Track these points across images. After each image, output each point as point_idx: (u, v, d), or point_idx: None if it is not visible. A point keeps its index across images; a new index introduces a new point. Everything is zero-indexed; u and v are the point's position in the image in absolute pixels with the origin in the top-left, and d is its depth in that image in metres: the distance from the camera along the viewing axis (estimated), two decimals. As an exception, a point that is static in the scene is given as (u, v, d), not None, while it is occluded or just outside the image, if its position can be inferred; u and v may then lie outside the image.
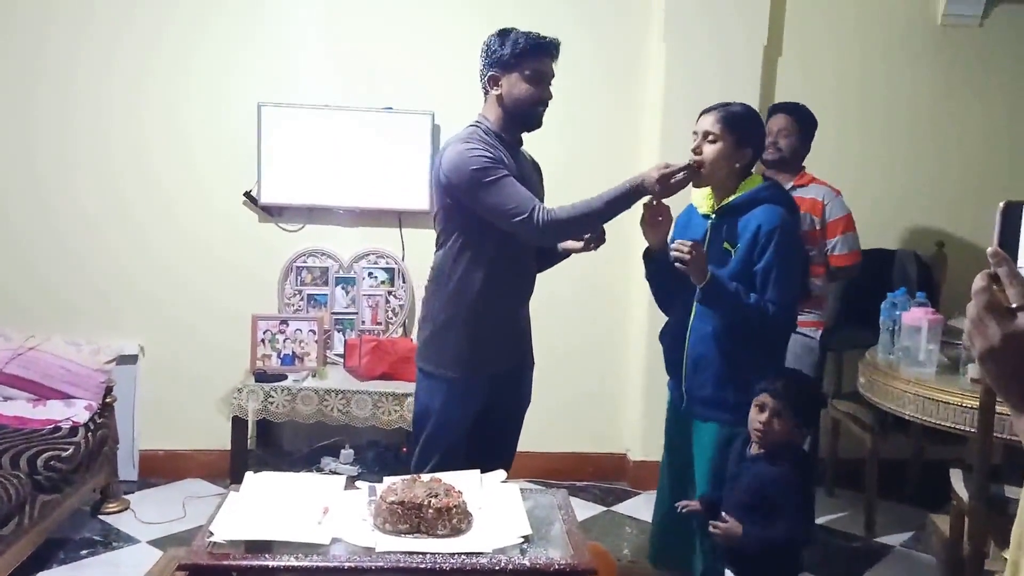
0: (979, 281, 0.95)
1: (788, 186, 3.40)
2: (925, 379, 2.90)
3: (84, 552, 3.23)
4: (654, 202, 2.42)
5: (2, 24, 3.77)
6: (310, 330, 3.79)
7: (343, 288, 3.94)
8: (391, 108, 3.84)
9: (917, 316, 3.05)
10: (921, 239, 4.03)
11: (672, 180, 2.35)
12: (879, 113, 4.11)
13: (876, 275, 3.72)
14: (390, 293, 3.92)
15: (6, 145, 3.82)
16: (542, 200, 2.51)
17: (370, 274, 3.95)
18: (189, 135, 3.87)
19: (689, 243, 2.32)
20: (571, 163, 3.73)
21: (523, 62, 2.46)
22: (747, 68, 3.87)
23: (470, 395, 2.57)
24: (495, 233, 2.46)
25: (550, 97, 2.51)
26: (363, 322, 3.92)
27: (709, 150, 2.39)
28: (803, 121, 3.43)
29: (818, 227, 3.38)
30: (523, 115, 2.51)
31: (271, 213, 3.92)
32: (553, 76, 2.52)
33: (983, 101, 4.14)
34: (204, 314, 3.93)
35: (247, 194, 3.88)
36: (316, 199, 3.88)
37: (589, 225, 2.49)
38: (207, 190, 3.89)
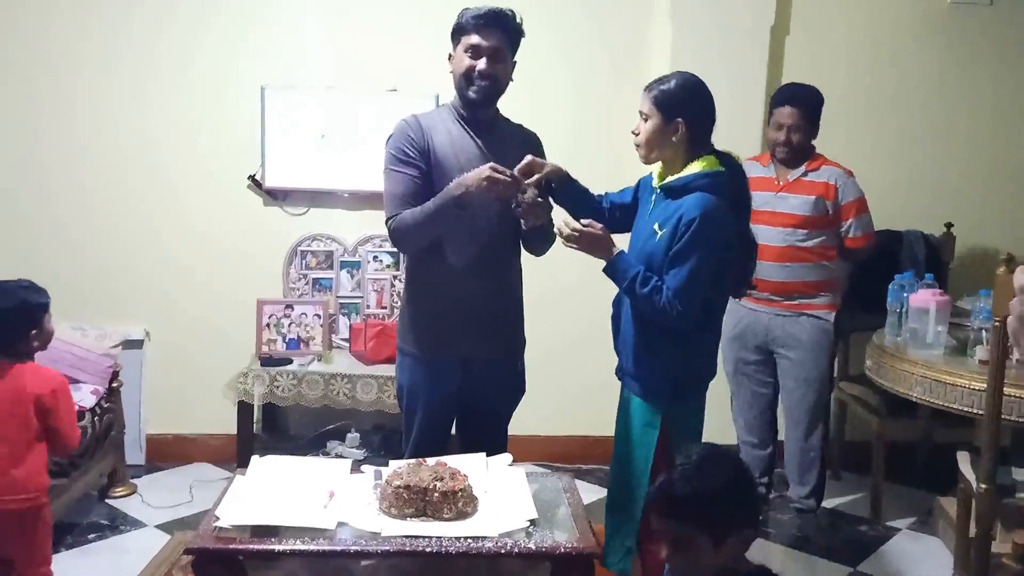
0: None
1: (801, 171, 3.37)
2: (933, 361, 2.89)
3: (92, 536, 3.25)
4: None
5: (5, 9, 3.75)
6: (315, 314, 3.78)
7: (348, 272, 3.93)
8: (395, 90, 3.82)
9: (925, 298, 3.03)
10: (929, 220, 3.99)
11: (497, 181, 2.30)
12: (887, 93, 4.07)
13: (883, 256, 3.69)
14: (395, 277, 3.91)
15: (10, 132, 3.81)
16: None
17: (375, 258, 3.94)
18: (193, 118, 3.86)
19: (580, 224, 2.31)
20: (576, 144, 3.69)
21: (461, 35, 2.47)
22: (754, 48, 3.83)
23: (437, 375, 2.55)
24: None
25: (492, 72, 2.44)
26: (368, 306, 3.92)
27: (642, 129, 2.35)
28: (811, 109, 3.36)
29: (831, 211, 3.35)
30: (461, 88, 2.49)
31: (275, 197, 3.91)
32: (500, 50, 2.45)
33: (992, 81, 4.10)
34: (209, 298, 3.92)
35: (251, 178, 3.87)
36: (321, 182, 3.86)
37: (425, 230, 2.43)
38: (211, 174, 3.88)
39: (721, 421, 3.52)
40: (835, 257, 3.43)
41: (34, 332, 2.49)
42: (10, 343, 2.46)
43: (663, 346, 2.32)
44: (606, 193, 2.61)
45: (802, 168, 3.38)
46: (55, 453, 2.54)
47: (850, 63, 4.02)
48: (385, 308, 3.91)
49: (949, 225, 3.94)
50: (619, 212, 2.56)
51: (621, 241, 2.41)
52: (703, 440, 2.47)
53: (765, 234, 3.22)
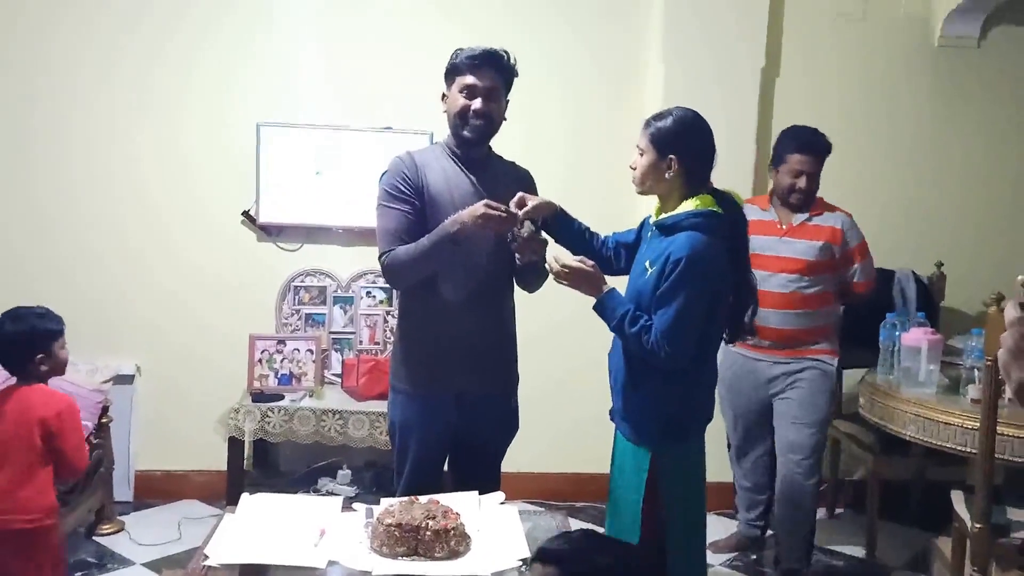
0: (1013, 311, 0.90)
1: (805, 215, 3.28)
2: (926, 400, 2.89)
3: (78, 575, 3.20)
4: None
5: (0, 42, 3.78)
6: (308, 350, 3.77)
7: (341, 307, 3.93)
8: (390, 127, 3.85)
9: (917, 337, 3.04)
10: (920, 259, 4.02)
11: (492, 218, 2.31)
12: (877, 134, 4.11)
13: (875, 295, 3.71)
14: (388, 312, 3.90)
15: (3, 166, 3.82)
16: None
17: (368, 293, 3.94)
18: (188, 154, 3.87)
19: (571, 260, 2.30)
20: (570, 183, 3.72)
21: (456, 75, 2.49)
22: (745, 89, 3.88)
23: (431, 411, 2.53)
24: None
25: (487, 111, 2.46)
26: (361, 341, 3.91)
27: (637, 164, 2.34)
28: (824, 154, 3.31)
29: (837, 255, 3.27)
30: (455, 127, 2.51)
31: (269, 232, 3.92)
32: (495, 89, 2.47)
33: (981, 121, 4.15)
34: (201, 334, 3.91)
35: (245, 213, 3.88)
36: (314, 218, 3.88)
37: (420, 266, 2.42)
38: (205, 209, 3.89)
39: (718, 463, 3.49)
40: (833, 302, 3.36)
41: (41, 357, 2.56)
42: (19, 366, 2.55)
43: (652, 386, 2.29)
44: (612, 233, 2.60)
45: (806, 212, 3.29)
46: (61, 476, 2.55)
47: (840, 104, 4.07)
48: (378, 344, 3.90)
49: (940, 264, 3.97)
50: (624, 251, 2.54)
51: (623, 283, 2.40)
52: (705, 480, 2.44)
53: (768, 281, 3.15)
